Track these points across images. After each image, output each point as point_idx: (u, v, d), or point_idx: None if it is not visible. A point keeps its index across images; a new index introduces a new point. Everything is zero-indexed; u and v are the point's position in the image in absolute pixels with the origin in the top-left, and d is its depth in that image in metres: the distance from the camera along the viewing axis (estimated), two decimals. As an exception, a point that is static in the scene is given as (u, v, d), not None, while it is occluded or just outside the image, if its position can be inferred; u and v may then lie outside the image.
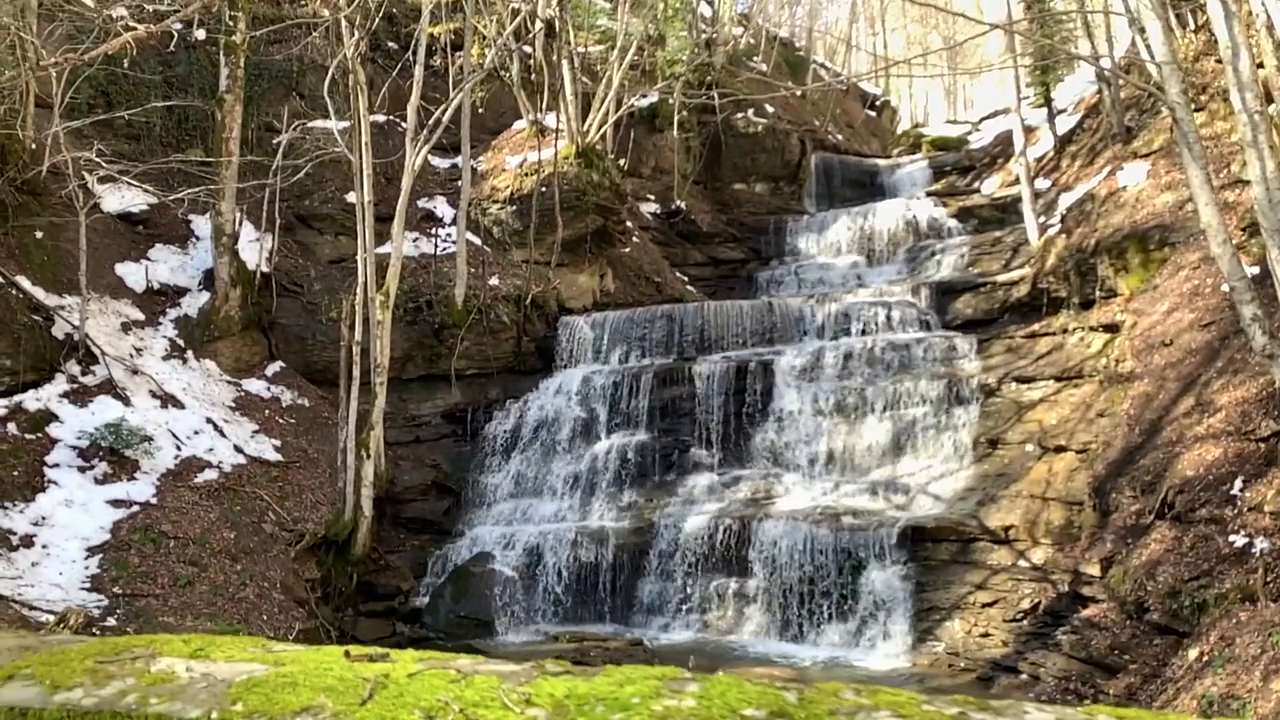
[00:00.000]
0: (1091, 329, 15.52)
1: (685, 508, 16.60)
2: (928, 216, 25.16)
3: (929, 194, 27.43)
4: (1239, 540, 9.96)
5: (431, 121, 15.51)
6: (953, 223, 24.89)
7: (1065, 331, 16.15)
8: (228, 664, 1.56)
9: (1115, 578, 11.30)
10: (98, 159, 14.60)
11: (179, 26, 15.99)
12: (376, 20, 15.75)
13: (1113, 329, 14.97)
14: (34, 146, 16.35)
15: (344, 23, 15.53)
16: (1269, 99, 11.35)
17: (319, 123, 20.77)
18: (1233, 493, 10.46)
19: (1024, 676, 11.83)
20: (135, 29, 6.85)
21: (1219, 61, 15.82)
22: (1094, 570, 11.77)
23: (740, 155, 29.32)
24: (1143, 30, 18.82)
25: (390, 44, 23.77)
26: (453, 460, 18.65)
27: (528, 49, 24.46)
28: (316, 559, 15.31)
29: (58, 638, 1.74)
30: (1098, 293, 15.71)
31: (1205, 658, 8.94)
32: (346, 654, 1.66)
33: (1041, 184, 22.47)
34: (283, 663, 1.58)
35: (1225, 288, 12.53)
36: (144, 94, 19.36)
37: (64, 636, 1.71)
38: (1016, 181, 25.09)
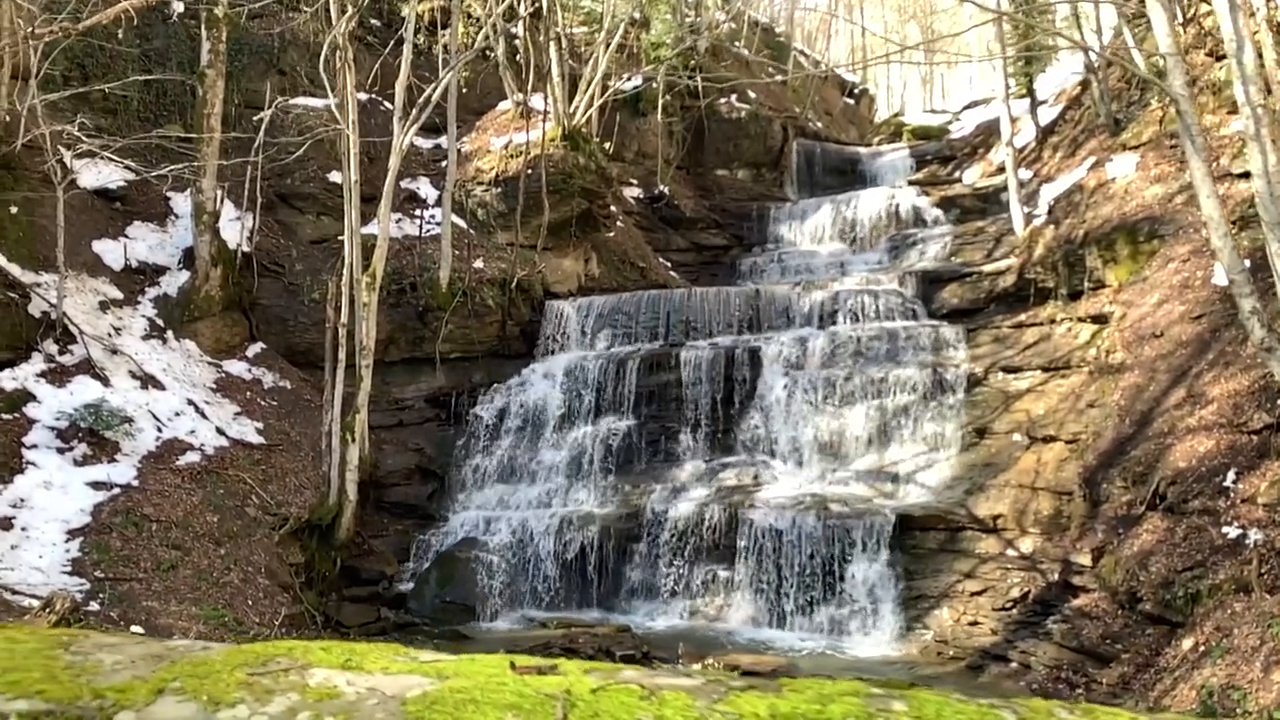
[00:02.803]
0: (1079, 320, 15.60)
1: (672, 494, 16.55)
2: (910, 205, 25.20)
3: (911, 183, 27.48)
4: (1232, 532, 10.04)
5: (421, 101, 15.26)
6: (935, 212, 24.95)
7: (1053, 322, 16.22)
8: (387, 677, 1.45)
9: (1106, 567, 11.38)
10: (78, 133, 14.20)
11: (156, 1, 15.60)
12: (368, -4, 15.45)
13: (1101, 320, 15.06)
14: (8, 119, 15.92)
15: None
16: (1268, 91, 11.40)
17: (301, 100, 20.43)
18: (1225, 484, 10.54)
19: (1014, 665, 11.90)
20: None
21: (1209, 55, 15.94)
22: (1085, 560, 11.84)
23: (723, 141, 29.23)
24: (1129, 20, 18.92)
25: (373, 21, 23.39)
26: (437, 444, 18.48)
27: (513, 29, 24.16)
28: (300, 543, 15.11)
29: (184, 643, 1.63)
30: (1086, 284, 15.79)
31: (1201, 648, 9.01)
32: (512, 665, 1.55)
33: (1023, 174, 22.54)
34: (445, 675, 1.47)
35: (1219, 281, 12.63)
36: (121, 67, 18.89)
37: (188, 643, 1.60)
38: (998, 171, 25.18)
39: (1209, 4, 13.37)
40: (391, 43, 19.18)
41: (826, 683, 1.49)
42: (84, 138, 14.45)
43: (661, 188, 26.69)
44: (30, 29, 9.44)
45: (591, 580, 15.87)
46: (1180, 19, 18.40)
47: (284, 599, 13.66)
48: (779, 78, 32.57)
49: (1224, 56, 15.15)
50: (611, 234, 23.24)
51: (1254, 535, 9.76)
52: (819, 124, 36.11)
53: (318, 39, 19.99)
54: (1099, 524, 12.05)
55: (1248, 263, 11.74)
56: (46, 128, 14.77)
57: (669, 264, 25.27)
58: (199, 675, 1.42)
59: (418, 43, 21.18)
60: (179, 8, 19.30)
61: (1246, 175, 13.26)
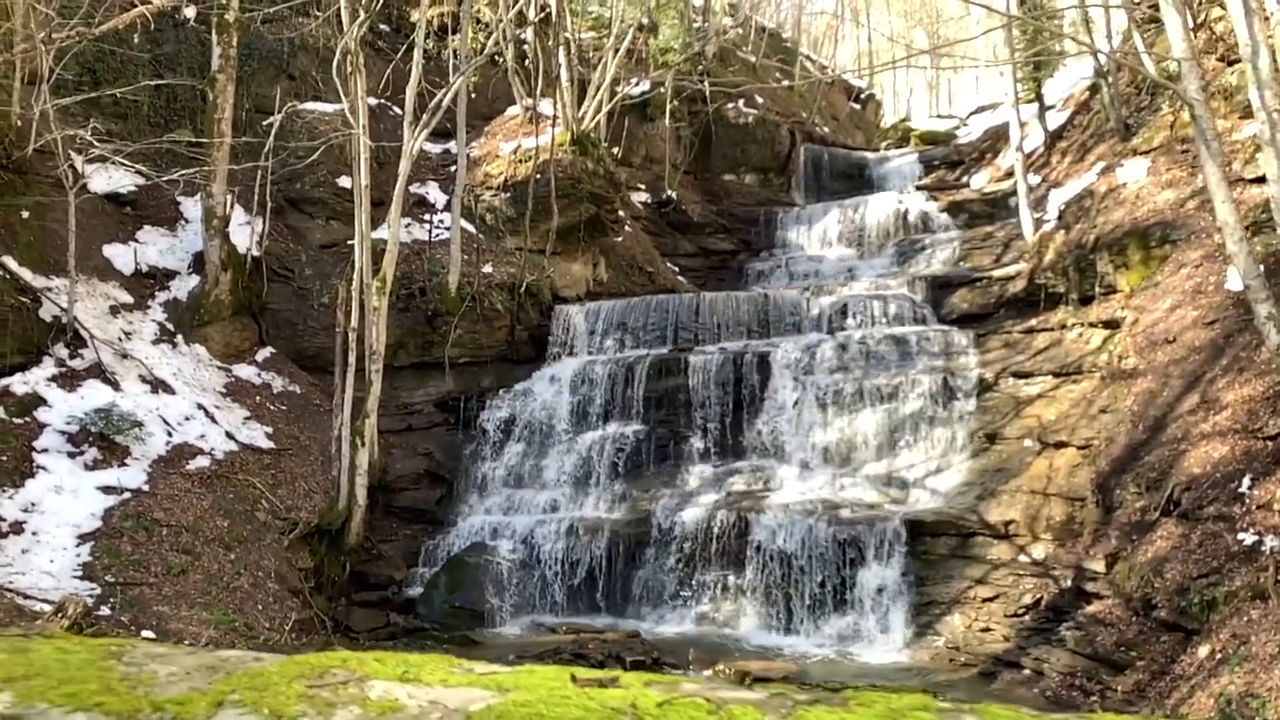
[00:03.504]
0: (1091, 325, 15.54)
1: (681, 499, 16.51)
2: (919, 210, 25.18)
3: (919, 188, 27.44)
4: (1248, 538, 9.98)
5: (432, 105, 15.27)
6: (943, 217, 24.93)
7: (1064, 327, 16.17)
8: (447, 689, 1.42)
9: (1120, 574, 11.32)
10: (90, 138, 14.22)
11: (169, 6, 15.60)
12: (380, 1, 15.44)
13: (1112, 325, 15.00)
14: (19, 124, 15.95)
15: (343, 3, 15.23)
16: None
17: (310, 104, 20.48)
18: (1241, 490, 10.48)
19: (1027, 672, 11.84)
20: (150, 2, 6.60)
21: (1220, 60, 15.90)
22: (1098, 566, 11.78)
23: (730, 146, 29.20)
24: (1139, 25, 18.87)
25: (383, 26, 23.42)
26: (445, 449, 18.46)
27: (522, 35, 24.18)
28: (310, 548, 15.12)
29: (235, 654, 1.61)
30: (1097, 289, 15.73)
31: (1218, 655, 8.96)
32: (573, 678, 1.53)
33: (1031, 180, 22.47)
34: (505, 687, 1.44)
35: (1232, 286, 12.58)
36: (132, 72, 18.94)
37: (239, 654, 1.59)
38: (1006, 176, 25.12)
39: (1222, 8, 13.34)
40: (402, 48, 19.21)
41: (893, 696, 1.47)
42: (95, 142, 14.46)
43: (669, 192, 26.67)
44: (47, 33, 9.44)
45: (600, 586, 15.83)
46: (1190, 24, 18.35)
47: (294, 604, 13.65)
48: (786, 83, 32.60)
49: (1236, 61, 15.12)
50: (619, 239, 23.22)
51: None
52: (826, 129, 36.06)
53: (328, 44, 20.04)
54: (1112, 530, 11.99)
55: (1262, 268, 11.69)
56: (58, 132, 14.79)
57: (676, 269, 25.25)
58: (257, 688, 1.39)
59: (427, 47, 21.23)
60: (190, 12, 19.35)
61: (1260, 180, 13.23)
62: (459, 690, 1.42)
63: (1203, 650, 9.32)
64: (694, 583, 15.31)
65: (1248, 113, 14.92)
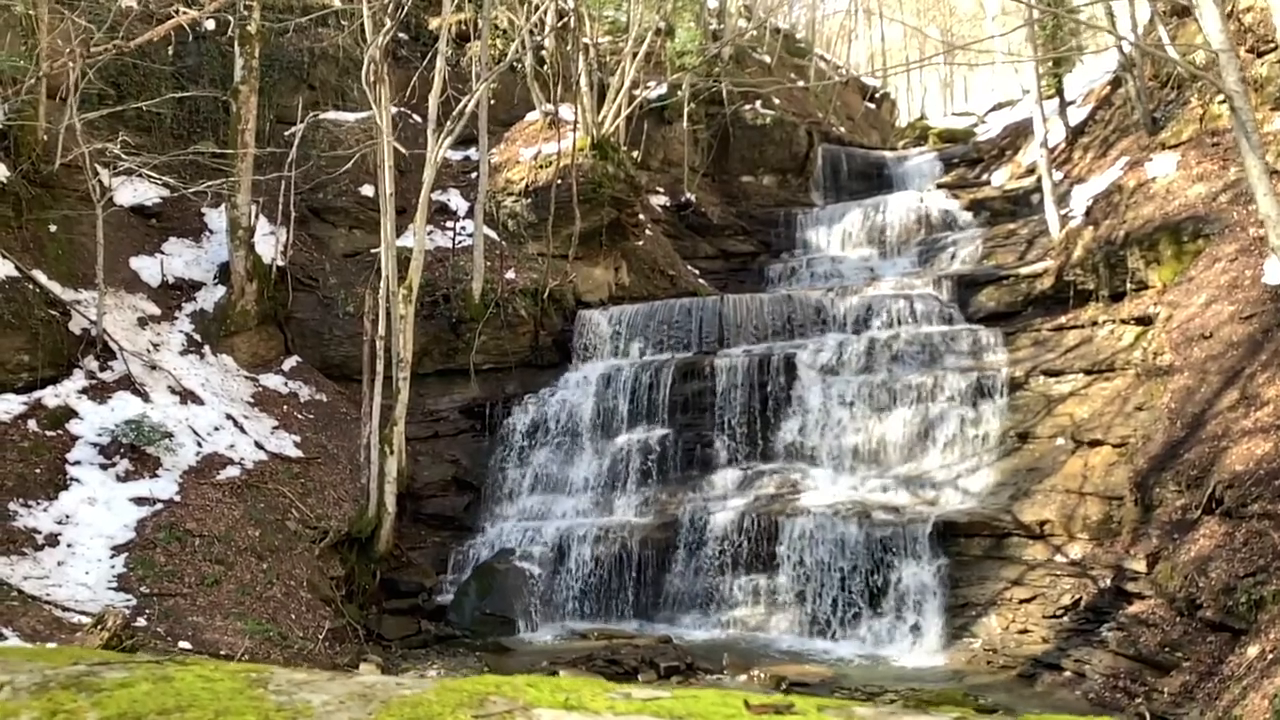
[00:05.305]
0: (1122, 322, 15.38)
1: (709, 503, 16.44)
2: (940, 209, 25.04)
3: (939, 186, 27.31)
4: (1295, 536, 9.82)
5: (456, 113, 15.27)
6: (965, 215, 24.78)
7: (1094, 324, 16.00)
8: (616, 717, 1.36)
9: (1162, 574, 11.17)
10: (119, 151, 14.28)
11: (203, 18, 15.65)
12: (404, 10, 15.45)
13: (1145, 321, 14.84)
14: (45, 138, 16.03)
15: (366, 13, 15.25)
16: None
17: (331, 114, 20.52)
18: (1285, 487, 10.32)
19: (1068, 674, 11.71)
20: (187, 13, 6.59)
21: (1250, 51, 15.72)
22: (1139, 566, 11.64)
23: (748, 147, 29.12)
24: (1163, 16, 18.71)
25: (401, 35, 23.45)
26: (472, 455, 18.44)
27: (540, 38, 24.18)
28: (340, 556, 15.10)
29: (379, 680, 1.55)
30: (1128, 285, 15.56)
31: (1269, 656, 8.81)
32: (746, 704, 1.46)
33: (1054, 176, 22.31)
34: (678, 715, 1.38)
35: (1270, 280, 12.41)
36: (154, 85, 19.03)
37: (382, 679, 1.52)
38: (1027, 173, 24.95)
39: (1258, -1, 13.19)
40: (424, 57, 19.23)
41: (1077, 719, 1.39)
42: (122, 155, 14.51)
43: (688, 195, 26.61)
44: (79, 47, 9.47)
45: (630, 591, 15.76)
46: (1217, 16, 18.14)
47: (326, 612, 13.65)
48: (802, 83, 32.52)
49: (1266, 52, 14.96)
50: (640, 242, 23.17)
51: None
52: (842, 129, 35.94)
53: (349, 54, 20.08)
54: (1152, 529, 11.84)
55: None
56: (85, 146, 14.86)
57: (697, 271, 25.18)
58: (421, 718, 1.34)
59: (446, 55, 21.24)
60: (210, 25, 19.42)
61: (1295, 172, 13.03)
62: (630, 719, 1.36)
63: (1252, 650, 9.17)
64: (724, 587, 15.22)
65: (1279, 104, 14.76)
